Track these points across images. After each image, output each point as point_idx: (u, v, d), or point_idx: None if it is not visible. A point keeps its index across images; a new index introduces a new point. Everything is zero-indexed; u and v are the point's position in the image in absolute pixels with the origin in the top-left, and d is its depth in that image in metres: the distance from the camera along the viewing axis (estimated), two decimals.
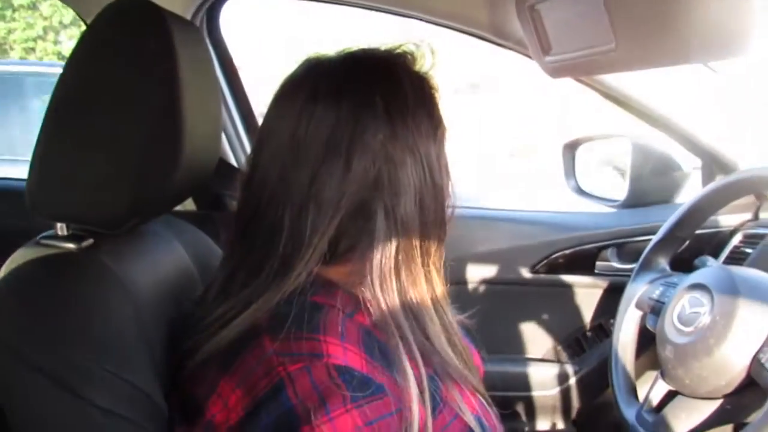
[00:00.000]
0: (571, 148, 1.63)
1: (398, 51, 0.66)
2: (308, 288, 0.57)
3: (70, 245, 0.60)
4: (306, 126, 0.60)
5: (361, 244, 0.60)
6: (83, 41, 0.64)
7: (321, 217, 0.59)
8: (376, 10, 1.17)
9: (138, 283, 0.61)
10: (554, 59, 0.94)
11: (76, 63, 0.62)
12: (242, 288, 0.59)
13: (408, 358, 0.57)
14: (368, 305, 0.59)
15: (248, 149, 1.28)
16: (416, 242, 0.61)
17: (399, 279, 0.60)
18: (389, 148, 0.60)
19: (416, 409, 0.54)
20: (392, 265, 0.60)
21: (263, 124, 0.66)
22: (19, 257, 0.59)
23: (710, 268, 0.96)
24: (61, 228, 0.61)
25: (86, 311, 0.55)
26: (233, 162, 1.30)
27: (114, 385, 0.53)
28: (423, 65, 0.67)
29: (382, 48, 0.66)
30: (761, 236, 1.18)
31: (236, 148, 1.26)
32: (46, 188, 0.60)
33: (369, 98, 0.61)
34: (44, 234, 0.62)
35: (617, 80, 1.20)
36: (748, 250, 1.21)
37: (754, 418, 0.82)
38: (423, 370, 0.58)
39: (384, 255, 0.59)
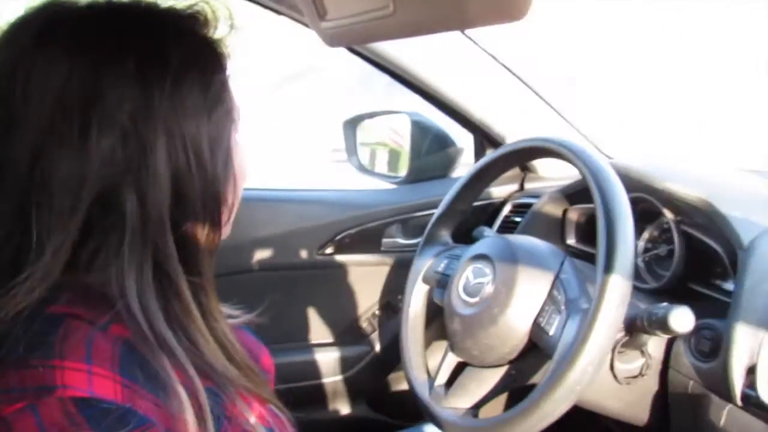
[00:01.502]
0: (352, 125, 1.60)
1: (185, 10, 0.53)
2: (47, 298, 0.44)
3: None
4: (25, 81, 0.46)
5: (111, 243, 0.47)
6: None
7: (54, 209, 0.45)
8: None
9: None
10: (331, 25, 0.87)
11: None
12: None
13: (178, 374, 0.46)
14: (126, 315, 0.46)
15: None
16: (173, 245, 0.49)
17: (159, 287, 0.49)
18: (140, 121, 0.47)
19: None
20: (150, 271, 0.48)
21: None
22: None
23: (490, 238, 0.97)
24: None
25: None
26: None
27: None
28: (214, 32, 0.55)
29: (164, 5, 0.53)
30: (527, 205, 1.26)
31: None
32: None
33: (118, 53, 0.47)
34: None
35: (393, 52, 1.18)
36: (518, 219, 1.28)
37: (536, 379, 0.85)
38: (199, 384, 0.47)
39: (138, 258, 0.47)
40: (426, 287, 1.07)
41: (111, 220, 0.47)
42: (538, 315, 0.82)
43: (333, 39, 0.93)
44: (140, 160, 0.47)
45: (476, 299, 0.88)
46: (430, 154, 1.45)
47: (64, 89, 0.46)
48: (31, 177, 0.45)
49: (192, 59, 0.51)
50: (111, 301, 0.46)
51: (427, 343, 1.09)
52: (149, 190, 0.47)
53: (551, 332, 0.78)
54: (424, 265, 1.07)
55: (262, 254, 1.28)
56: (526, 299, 0.83)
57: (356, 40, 1.01)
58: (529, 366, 0.85)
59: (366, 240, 1.33)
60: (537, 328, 0.81)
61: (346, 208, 1.32)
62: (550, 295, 0.82)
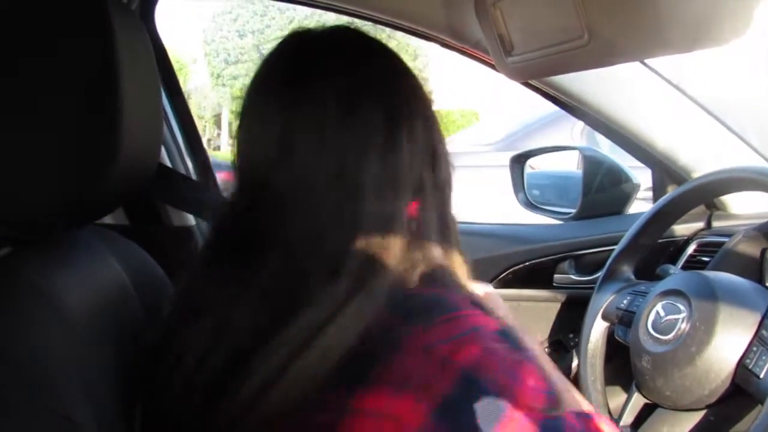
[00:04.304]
0: (519, 162, 1.60)
1: None
2: (408, 276, 0.51)
3: None
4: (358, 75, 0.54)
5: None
6: None
7: (399, 197, 0.52)
8: (325, 8, 1.10)
9: (67, 299, 0.51)
10: (517, 60, 0.90)
11: None
12: (320, 294, 0.48)
13: None
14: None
15: (186, 157, 1.16)
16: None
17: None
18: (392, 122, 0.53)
19: None
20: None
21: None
22: None
23: (684, 274, 0.93)
24: None
25: (2, 330, 0.44)
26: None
27: (33, 414, 0.42)
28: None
29: None
30: (717, 244, 1.17)
31: (173, 152, 1.14)
32: None
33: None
34: None
35: (572, 84, 1.17)
36: (705, 258, 1.20)
37: (740, 428, 0.79)
38: None
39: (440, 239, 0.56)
40: (605, 324, 1.04)
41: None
42: (744, 356, 0.76)
43: (518, 73, 0.95)
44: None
45: (669, 337, 0.83)
46: (603, 189, 1.41)
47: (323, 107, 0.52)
48: (384, 175, 0.51)
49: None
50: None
51: (606, 382, 1.04)
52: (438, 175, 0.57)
53: (762, 375, 0.72)
54: (605, 301, 1.04)
55: None
56: (729, 339, 0.77)
57: (542, 73, 1.02)
58: (731, 411, 0.79)
59: (537, 275, 1.31)
60: (743, 371, 0.75)
61: (517, 242, 1.32)
62: (758, 335, 0.76)
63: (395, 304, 0.48)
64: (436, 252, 0.55)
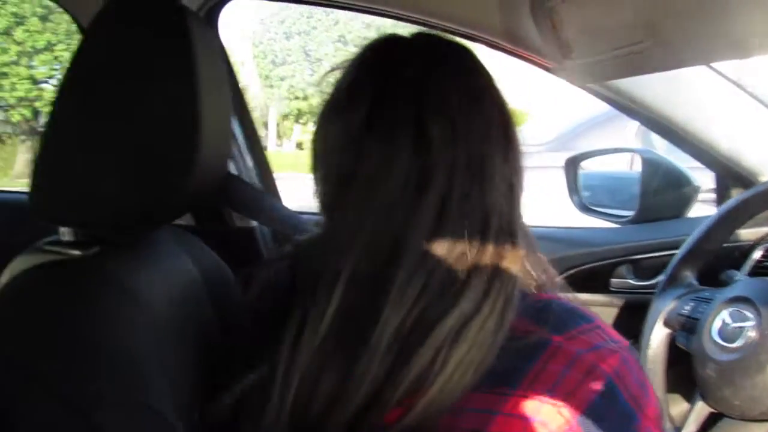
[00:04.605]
0: (573, 164, 1.58)
1: None
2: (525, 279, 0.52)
3: (75, 252, 0.53)
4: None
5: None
6: (89, 38, 0.57)
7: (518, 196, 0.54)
8: (380, 14, 1.11)
9: (150, 295, 0.54)
10: (575, 64, 0.89)
11: (82, 60, 0.56)
12: (461, 294, 0.48)
13: None
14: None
15: (248, 161, 1.20)
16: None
17: None
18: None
19: None
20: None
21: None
22: (19, 264, 0.52)
23: (752, 280, 0.90)
24: (64, 233, 0.54)
25: (95, 323, 0.47)
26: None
27: (129, 408, 0.45)
28: None
29: None
30: None
31: (235, 156, 1.17)
32: (50, 190, 0.53)
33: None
34: (47, 239, 0.55)
35: (630, 85, 1.15)
36: None
37: None
38: None
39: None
40: (667, 331, 1.02)
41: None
42: None
43: (578, 77, 0.95)
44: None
45: (736, 345, 0.81)
46: (662, 192, 1.38)
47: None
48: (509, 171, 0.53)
49: None
50: None
51: (667, 390, 1.02)
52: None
53: None
54: (666, 307, 1.02)
55: None
56: None
57: (603, 77, 1.01)
58: None
59: (594, 279, 1.29)
60: None
61: (575, 245, 1.30)
62: None
63: (526, 308, 0.48)
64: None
